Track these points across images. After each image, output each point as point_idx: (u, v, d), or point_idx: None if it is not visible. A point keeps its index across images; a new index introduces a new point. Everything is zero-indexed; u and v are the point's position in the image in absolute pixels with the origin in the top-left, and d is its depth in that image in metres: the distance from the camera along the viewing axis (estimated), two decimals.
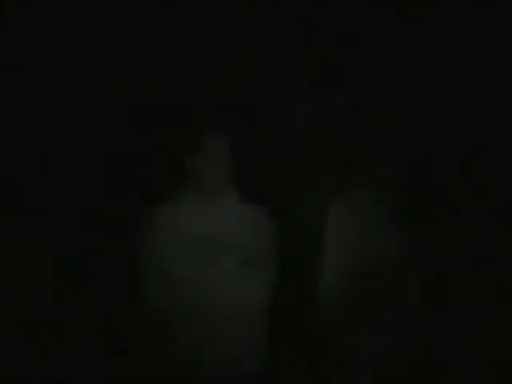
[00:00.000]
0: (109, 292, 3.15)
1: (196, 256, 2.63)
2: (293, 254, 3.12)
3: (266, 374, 2.69)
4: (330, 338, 2.84)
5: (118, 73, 3.44)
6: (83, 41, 3.41)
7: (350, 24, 3.46)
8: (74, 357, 3.00)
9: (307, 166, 3.39)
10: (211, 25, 3.48)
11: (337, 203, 2.92)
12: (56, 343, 2.99)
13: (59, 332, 3.00)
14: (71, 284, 3.13)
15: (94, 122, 3.39)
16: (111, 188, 3.34)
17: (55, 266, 3.13)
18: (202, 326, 2.60)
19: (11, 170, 3.27)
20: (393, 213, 2.89)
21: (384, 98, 3.41)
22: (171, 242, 2.65)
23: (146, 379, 2.70)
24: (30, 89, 3.36)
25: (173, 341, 2.63)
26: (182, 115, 3.37)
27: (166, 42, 3.46)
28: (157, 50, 3.46)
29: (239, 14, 3.47)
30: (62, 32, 3.38)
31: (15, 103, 3.34)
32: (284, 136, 3.44)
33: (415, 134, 3.34)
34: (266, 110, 3.47)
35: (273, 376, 2.80)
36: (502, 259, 3.05)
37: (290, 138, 3.43)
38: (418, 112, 3.38)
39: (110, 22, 3.42)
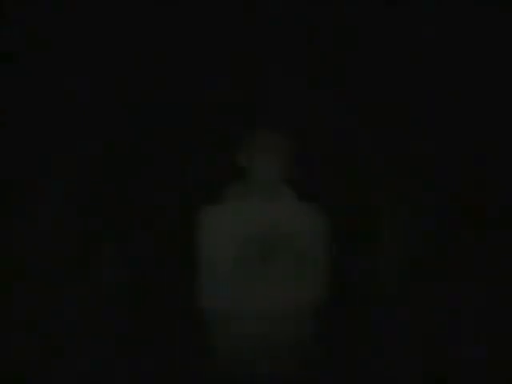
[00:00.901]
0: (164, 293, 3.17)
1: (251, 255, 2.63)
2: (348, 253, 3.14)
3: (317, 373, 2.69)
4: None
5: (120, 72, 3.44)
6: (83, 40, 3.41)
7: (350, 24, 3.46)
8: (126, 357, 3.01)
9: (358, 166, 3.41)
10: (211, 25, 3.48)
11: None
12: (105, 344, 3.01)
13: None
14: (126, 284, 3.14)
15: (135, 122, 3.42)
16: (167, 187, 3.35)
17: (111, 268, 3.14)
18: (257, 325, 2.60)
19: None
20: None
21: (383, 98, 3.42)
22: (227, 242, 2.64)
23: (196, 377, 2.72)
24: (30, 88, 3.36)
25: (226, 340, 2.63)
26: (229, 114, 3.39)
27: (166, 42, 3.46)
28: (157, 51, 3.47)
29: (239, 13, 3.47)
30: (62, 32, 3.39)
31: (15, 103, 3.34)
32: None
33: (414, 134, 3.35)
34: (266, 110, 3.48)
35: (324, 375, 2.80)
36: None
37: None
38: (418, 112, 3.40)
39: (110, 22, 3.42)
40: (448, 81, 3.40)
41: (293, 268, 2.60)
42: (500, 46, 3.35)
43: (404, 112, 3.43)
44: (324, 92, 3.48)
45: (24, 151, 3.32)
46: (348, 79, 3.48)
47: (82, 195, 3.32)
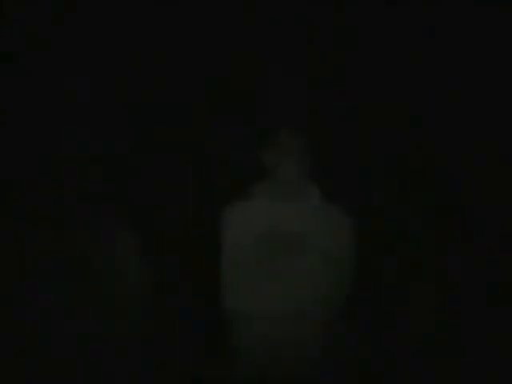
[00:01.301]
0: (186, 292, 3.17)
1: (276, 256, 2.62)
2: (369, 254, 3.13)
3: (343, 373, 2.68)
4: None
5: (119, 72, 3.44)
6: (83, 40, 3.41)
7: (350, 24, 3.46)
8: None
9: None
10: (211, 25, 3.48)
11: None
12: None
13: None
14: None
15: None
16: (192, 186, 3.35)
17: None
18: (279, 326, 2.59)
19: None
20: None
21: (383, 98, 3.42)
22: (248, 241, 2.63)
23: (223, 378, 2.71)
24: (30, 88, 3.36)
25: (250, 341, 2.62)
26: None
27: (166, 42, 3.46)
28: (157, 51, 3.46)
29: (239, 14, 3.47)
30: (62, 32, 3.38)
31: (15, 104, 3.34)
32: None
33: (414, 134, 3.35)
34: (265, 110, 3.47)
35: (350, 375, 2.79)
36: None
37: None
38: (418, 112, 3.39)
39: (110, 22, 3.41)
40: (448, 81, 3.40)
41: (314, 268, 2.59)
42: (500, 45, 3.35)
43: (404, 112, 3.43)
44: (324, 92, 3.48)
45: (24, 151, 3.32)
46: (348, 79, 3.48)
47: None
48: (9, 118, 3.33)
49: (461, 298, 3.16)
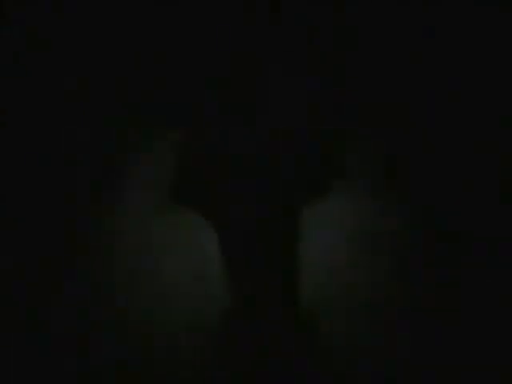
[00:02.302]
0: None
1: (353, 253, 2.64)
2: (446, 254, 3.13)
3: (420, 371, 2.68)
4: None
5: (120, 72, 3.45)
6: (83, 40, 3.42)
7: (350, 24, 3.46)
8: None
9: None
10: (211, 25, 3.48)
11: None
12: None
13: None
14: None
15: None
16: (271, 188, 3.35)
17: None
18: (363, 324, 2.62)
19: None
20: None
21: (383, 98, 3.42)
22: (326, 241, 2.66)
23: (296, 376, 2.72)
24: (30, 88, 3.37)
25: (327, 339, 2.64)
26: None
27: (166, 42, 3.47)
28: (157, 51, 3.47)
29: (239, 13, 3.47)
30: (62, 32, 3.39)
31: (15, 103, 3.35)
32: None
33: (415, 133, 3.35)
34: (266, 110, 3.47)
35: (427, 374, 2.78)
36: None
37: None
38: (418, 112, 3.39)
39: (110, 22, 3.42)
40: (448, 81, 3.40)
41: (392, 269, 2.62)
42: (500, 46, 3.35)
43: (404, 112, 3.43)
44: (324, 92, 3.48)
45: (24, 151, 3.33)
46: (348, 79, 3.48)
47: None
48: (9, 117, 3.34)
49: None
